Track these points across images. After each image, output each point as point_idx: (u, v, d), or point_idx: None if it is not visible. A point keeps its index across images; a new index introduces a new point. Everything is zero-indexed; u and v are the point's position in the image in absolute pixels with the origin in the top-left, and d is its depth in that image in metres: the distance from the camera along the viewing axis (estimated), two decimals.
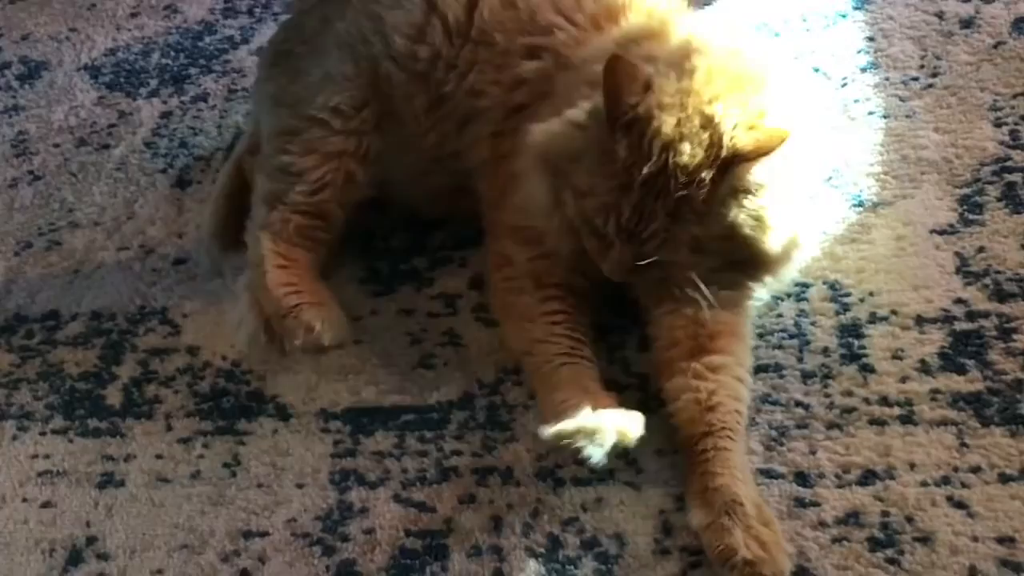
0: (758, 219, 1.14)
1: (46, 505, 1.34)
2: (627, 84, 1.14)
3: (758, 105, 1.15)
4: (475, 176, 1.41)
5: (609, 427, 1.12)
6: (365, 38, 1.44)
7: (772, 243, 1.17)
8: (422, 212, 1.54)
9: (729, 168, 1.11)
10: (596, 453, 1.11)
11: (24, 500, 1.35)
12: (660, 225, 1.14)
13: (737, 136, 1.12)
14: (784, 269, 1.23)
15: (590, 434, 1.11)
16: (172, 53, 2.08)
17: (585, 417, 1.12)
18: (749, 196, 1.13)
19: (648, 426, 1.23)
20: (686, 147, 1.12)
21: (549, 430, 1.11)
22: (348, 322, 1.38)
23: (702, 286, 1.17)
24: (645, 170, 1.12)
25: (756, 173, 1.12)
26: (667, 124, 1.13)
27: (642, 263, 1.16)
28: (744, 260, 1.19)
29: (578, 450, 1.11)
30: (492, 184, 1.38)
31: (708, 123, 1.13)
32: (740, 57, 1.22)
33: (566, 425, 1.11)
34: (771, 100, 1.17)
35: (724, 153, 1.11)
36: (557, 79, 1.32)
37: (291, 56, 1.53)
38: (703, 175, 1.11)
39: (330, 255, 1.48)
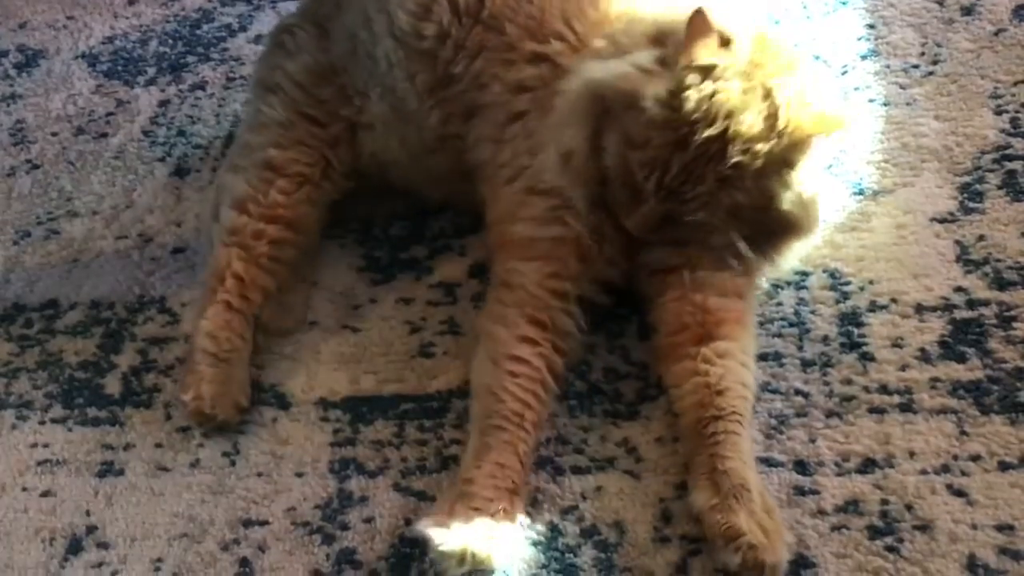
0: (798, 195, 1.16)
1: (46, 494, 1.34)
2: (705, 38, 1.14)
3: (808, 87, 1.17)
4: (477, 175, 1.39)
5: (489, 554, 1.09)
6: (368, 19, 1.43)
7: (807, 220, 1.19)
8: (423, 196, 1.53)
9: (784, 144, 1.13)
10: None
11: (24, 489, 1.35)
12: (707, 189, 1.14)
13: (795, 114, 1.14)
14: (804, 245, 1.24)
15: (475, 562, 1.09)
16: (170, 41, 2.07)
17: (475, 537, 1.09)
18: (794, 173, 1.15)
19: (648, 415, 1.24)
20: (747, 117, 1.13)
21: (440, 546, 1.08)
22: (239, 402, 1.35)
23: (740, 243, 1.18)
24: (706, 133, 1.12)
25: (808, 152, 1.14)
26: (733, 91, 1.13)
27: (667, 223, 1.18)
28: (773, 231, 1.20)
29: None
30: (495, 194, 1.35)
31: (769, 97, 1.14)
32: (783, 41, 1.24)
33: (455, 545, 1.08)
34: (814, 84, 1.20)
35: (782, 128, 1.13)
36: (556, 88, 1.28)
37: (295, 37, 1.53)
38: (758, 147, 1.13)
39: (293, 277, 1.46)
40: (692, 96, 1.13)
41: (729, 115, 1.13)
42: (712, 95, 1.13)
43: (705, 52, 1.14)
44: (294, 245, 1.45)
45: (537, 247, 1.27)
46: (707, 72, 1.14)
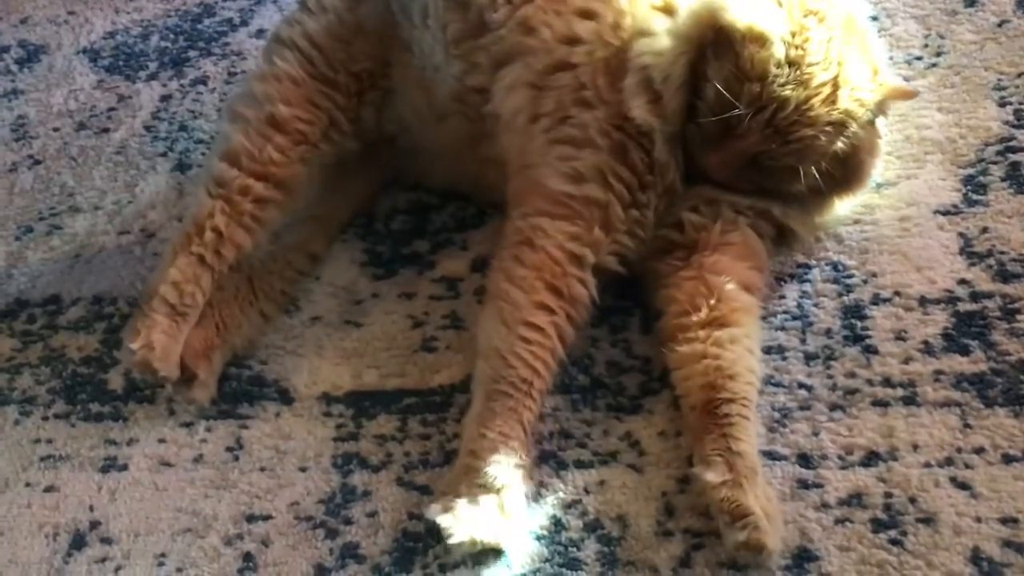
0: (878, 149, 1.29)
1: (49, 490, 1.34)
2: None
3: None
4: (501, 128, 1.36)
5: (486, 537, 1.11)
6: None
7: (871, 176, 1.30)
8: (430, 171, 1.53)
9: (879, 98, 1.23)
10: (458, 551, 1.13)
11: (27, 485, 1.35)
12: (813, 132, 1.19)
13: (887, 73, 1.25)
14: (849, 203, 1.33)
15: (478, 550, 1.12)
16: (171, 36, 2.07)
17: (483, 522, 1.11)
18: (879, 130, 1.26)
19: (650, 409, 1.24)
20: (854, 66, 1.20)
21: (449, 537, 1.10)
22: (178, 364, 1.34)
23: (815, 175, 1.22)
24: (822, 76, 1.18)
25: (888, 110, 1.27)
26: (842, 40, 1.20)
27: (749, 166, 1.22)
28: (840, 184, 1.27)
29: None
30: (526, 143, 1.32)
31: (868, 52, 1.24)
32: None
33: (464, 536, 1.10)
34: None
35: (880, 82, 1.23)
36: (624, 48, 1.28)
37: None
38: (864, 96, 1.21)
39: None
40: (814, 38, 1.18)
41: (840, 63, 1.19)
42: (829, 40, 1.19)
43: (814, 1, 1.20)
44: (279, 206, 1.42)
45: (567, 205, 1.25)
46: (820, 19, 1.19)
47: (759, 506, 1.06)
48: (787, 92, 1.17)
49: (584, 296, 1.25)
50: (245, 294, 1.44)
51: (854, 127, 1.21)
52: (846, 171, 1.26)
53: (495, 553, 1.13)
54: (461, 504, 1.11)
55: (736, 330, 1.20)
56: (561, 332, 1.22)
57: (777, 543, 1.06)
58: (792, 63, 1.18)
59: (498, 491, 1.12)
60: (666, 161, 1.25)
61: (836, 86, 1.19)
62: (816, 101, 1.18)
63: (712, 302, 1.22)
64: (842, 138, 1.21)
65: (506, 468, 1.14)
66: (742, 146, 1.20)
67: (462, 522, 1.10)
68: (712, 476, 1.08)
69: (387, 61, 1.48)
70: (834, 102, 1.19)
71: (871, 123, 1.25)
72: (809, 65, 1.18)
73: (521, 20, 1.33)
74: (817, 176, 1.22)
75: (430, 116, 1.45)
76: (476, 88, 1.38)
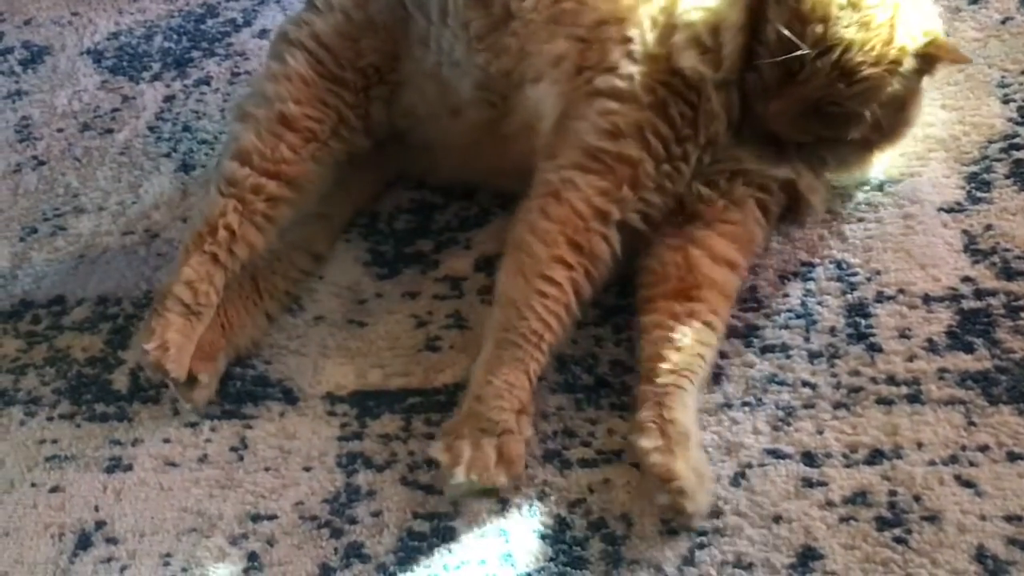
0: (921, 97, 1.28)
1: (54, 490, 1.34)
2: None
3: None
4: (541, 83, 1.34)
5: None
6: None
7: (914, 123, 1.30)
8: (440, 166, 1.53)
9: (933, 48, 1.22)
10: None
11: (32, 485, 1.35)
12: (878, 72, 1.19)
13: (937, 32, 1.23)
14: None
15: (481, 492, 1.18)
16: (175, 36, 2.07)
17: (483, 464, 1.16)
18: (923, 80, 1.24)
19: None
20: (908, 9, 1.21)
21: (450, 478, 1.16)
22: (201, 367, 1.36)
23: (866, 113, 1.22)
24: (886, 15, 1.19)
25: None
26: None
27: (808, 112, 1.22)
28: (887, 134, 1.28)
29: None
30: (564, 96, 1.32)
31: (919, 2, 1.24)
32: None
33: (463, 477, 1.16)
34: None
35: (932, 39, 1.22)
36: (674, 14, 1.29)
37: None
38: (919, 40, 1.21)
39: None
40: None
41: (896, 4, 1.20)
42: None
43: None
44: (291, 204, 1.42)
45: (601, 160, 1.26)
46: None
47: (688, 472, 1.10)
48: (850, 33, 1.18)
49: (605, 253, 1.25)
50: (249, 294, 1.44)
51: (907, 68, 1.21)
52: (895, 119, 1.26)
53: (492, 494, 1.18)
54: (462, 445, 1.16)
55: (698, 305, 1.22)
56: (578, 288, 1.24)
57: (701, 507, 1.11)
58: (853, 4, 1.18)
59: (499, 435, 1.17)
60: (717, 112, 1.25)
61: (893, 27, 1.19)
62: (877, 42, 1.18)
63: (683, 274, 1.24)
64: (898, 79, 1.21)
65: (509, 414, 1.18)
66: (805, 91, 1.20)
67: (462, 463, 1.15)
68: (645, 442, 1.13)
69: (396, 55, 1.48)
70: (890, 42, 1.19)
71: (918, 72, 1.23)
72: (869, 6, 1.18)
73: None
74: (874, 120, 1.22)
75: (444, 109, 1.46)
76: (503, 72, 1.38)
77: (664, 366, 1.18)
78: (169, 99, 1.91)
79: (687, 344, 1.19)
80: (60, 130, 1.91)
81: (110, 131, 1.88)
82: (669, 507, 1.11)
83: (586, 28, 1.33)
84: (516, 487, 1.20)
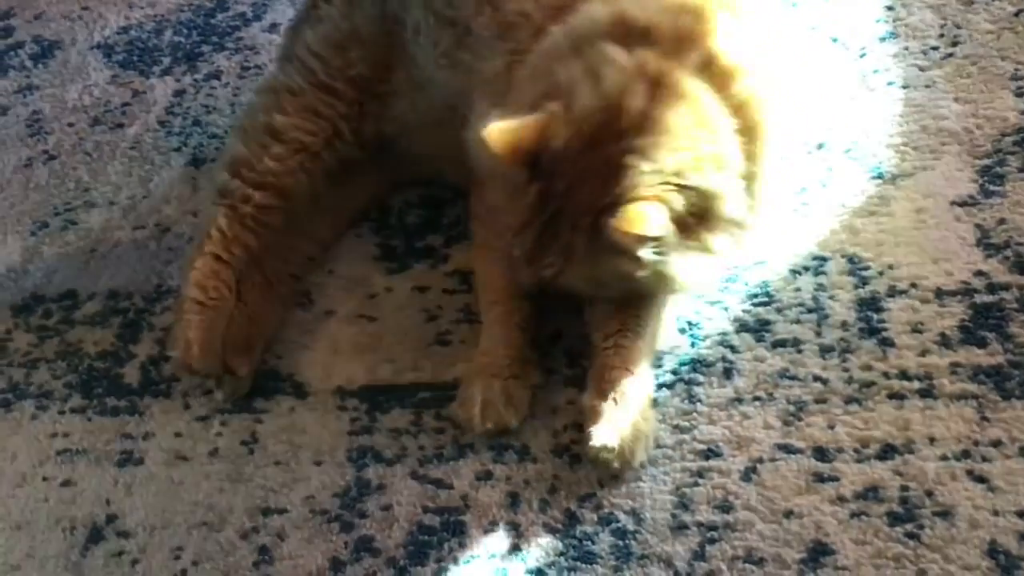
0: (654, 273, 1.13)
1: (66, 484, 1.35)
2: (523, 141, 1.11)
3: (681, 169, 1.10)
4: (477, 96, 1.32)
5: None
6: None
7: (679, 288, 1.21)
8: (425, 166, 1.53)
9: (607, 226, 1.08)
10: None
11: (44, 479, 1.36)
12: (554, 260, 1.15)
13: (633, 199, 1.08)
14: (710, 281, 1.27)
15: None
16: (185, 31, 2.07)
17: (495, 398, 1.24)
18: (636, 255, 1.09)
19: (663, 403, 1.24)
20: (587, 189, 1.10)
21: (459, 412, 1.26)
22: (220, 355, 1.37)
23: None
24: (549, 209, 1.13)
25: (637, 242, 1.08)
26: (579, 164, 1.11)
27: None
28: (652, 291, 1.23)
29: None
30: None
31: (616, 173, 1.09)
32: (695, 99, 1.14)
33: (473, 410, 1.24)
34: (713, 144, 1.13)
35: (612, 209, 1.08)
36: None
37: (319, 9, 1.53)
38: (592, 222, 1.10)
39: (292, 249, 1.49)
40: (533, 184, 1.13)
41: (571, 187, 1.11)
42: (551, 170, 1.12)
43: (524, 152, 1.12)
44: (281, 211, 1.46)
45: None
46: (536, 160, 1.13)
47: (618, 427, 1.16)
48: (521, 221, 1.16)
49: None
50: (260, 282, 1.46)
51: (592, 252, 1.13)
52: (639, 286, 1.18)
53: (505, 433, 1.24)
54: (474, 392, 1.24)
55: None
56: None
57: (635, 458, 1.17)
58: (518, 198, 1.15)
59: (505, 379, 1.24)
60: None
61: (568, 215, 1.13)
62: (549, 231, 1.14)
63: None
64: (588, 263, 1.14)
65: (512, 361, 1.26)
66: (524, 271, 1.21)
67: (476, 411, 1.23)
68: (585, 400, 1.20)
69: (388, 65, 1.48)
70: (564, 232, 1.13)
71: (624, 248, 1.10)
72: (533, 202, 1.14)
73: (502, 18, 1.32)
74: (604, 292, 1.22)
75: (429, 121, 1.45)
76: (462, 90, 1.37)
77: (606, 330, 1.23)
78: (179, 93, 1.91)
79: (626, 308, 1.24)
80: (71, 125, 1.91)
81: (120, 126, 1.88)
82: (595, 460, 1.17)
83: (521, 41, 1.30)
84: (526, 483, 1.20)
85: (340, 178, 1.51)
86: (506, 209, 1.18)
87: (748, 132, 1.15)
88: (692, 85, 1.14)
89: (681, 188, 1.10)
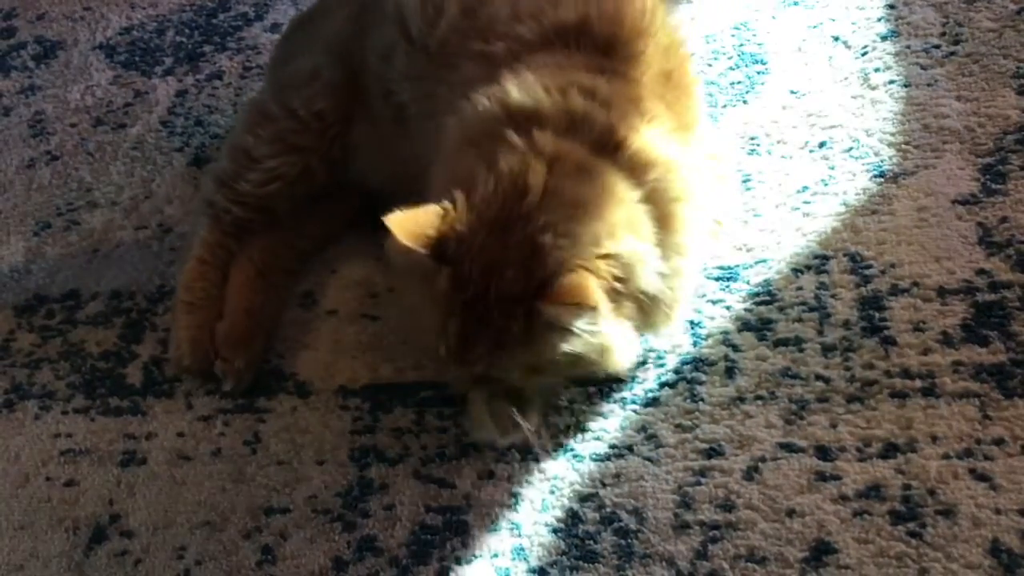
0: (592, 347, 1.12)
1: (69, 483, 1.35)
2: (425, 227, 1.10)
3: (597, 237, 1.10)
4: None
5: None
6: (352, 43, 1.47)
7: (614, 364, 1.17)
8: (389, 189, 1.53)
9: (544, 305, 1.08)
10: None
11: (47, 479, 1.36)
12: (485, 350, 1.12)
13: (561, 273, 1.07)
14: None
15: None
16: (187, 31, 2.07)
17: None
18: (573, 330, 1.09)
19: (665, 401, 1.24)
20: (509, 273, 1.09)
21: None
22: (211, 352, 1.40)
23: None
24: (467, 296, 1.10)
25: (576, 315, 1.07)
26: (491, 248, 1.10)
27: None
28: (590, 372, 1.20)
29: None
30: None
31: (535, 253, 1.09)
32: (596, 173, 1.14)
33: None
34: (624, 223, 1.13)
35: (544, 287, 1.08)
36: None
37: (299, 32, 1.56)
38: (525, 305, 1.09)
39: (284, 246, 1.52)
40: (444, 272, 1.12)
41: (488, 273, 1.10)
42: (465, 258, 1.10)
43: (435, 238, 1.11)
44: (261, 223, 1.50)
45: None
46: (448, 249, 1.12)
47: (492, 414, 1.19)
48: (440, 321, 1.14)
49: None
50: (251, 274, 1.48)
51: (524, 338, 1.11)
52: (575, 369, 1.17)
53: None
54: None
55: None
56: None
57: (489, 436, 1.21)
58: (434, 296, 1.14)
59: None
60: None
61: (490, 303, 1.11)
62: (472, 323, 1.12)
63: None
64: (520, 351, 1.13)
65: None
66: (452, 371, 1.21)
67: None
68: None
69: (349, 104, 1.47)
70: (489, 321, 1.11)
71: (556, 329, 1.10)
72: (449, 294, 1.13)
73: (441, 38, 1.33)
74: (541, 380, 1.20)
75: (401, 172, 1.41)
76: (426, 113, 1.35)
77: None
78: (181, 94, 1.92)
79: None
80: (73, 125, 1.91)
81: (123, 126, 1.88)
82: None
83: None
84: (528, 483, 1.20)
85: (328, 188, 1.51)
86: (423, 307, 1.16)
87: (662, 221, 1.15)
88: (589, 160, 1.14)
89: (602, 257, 1.10)
